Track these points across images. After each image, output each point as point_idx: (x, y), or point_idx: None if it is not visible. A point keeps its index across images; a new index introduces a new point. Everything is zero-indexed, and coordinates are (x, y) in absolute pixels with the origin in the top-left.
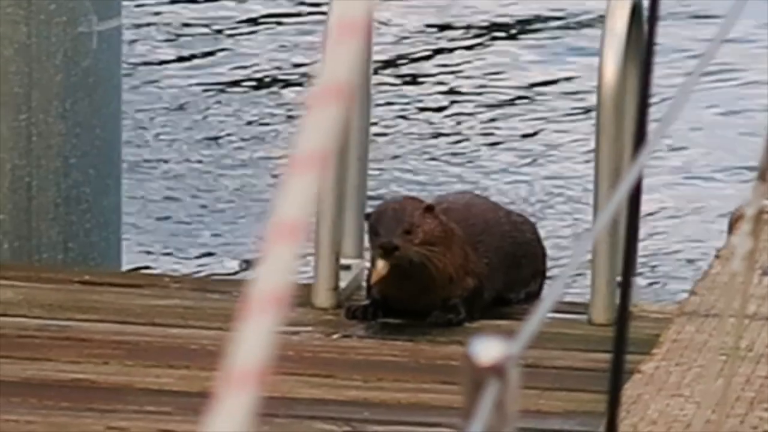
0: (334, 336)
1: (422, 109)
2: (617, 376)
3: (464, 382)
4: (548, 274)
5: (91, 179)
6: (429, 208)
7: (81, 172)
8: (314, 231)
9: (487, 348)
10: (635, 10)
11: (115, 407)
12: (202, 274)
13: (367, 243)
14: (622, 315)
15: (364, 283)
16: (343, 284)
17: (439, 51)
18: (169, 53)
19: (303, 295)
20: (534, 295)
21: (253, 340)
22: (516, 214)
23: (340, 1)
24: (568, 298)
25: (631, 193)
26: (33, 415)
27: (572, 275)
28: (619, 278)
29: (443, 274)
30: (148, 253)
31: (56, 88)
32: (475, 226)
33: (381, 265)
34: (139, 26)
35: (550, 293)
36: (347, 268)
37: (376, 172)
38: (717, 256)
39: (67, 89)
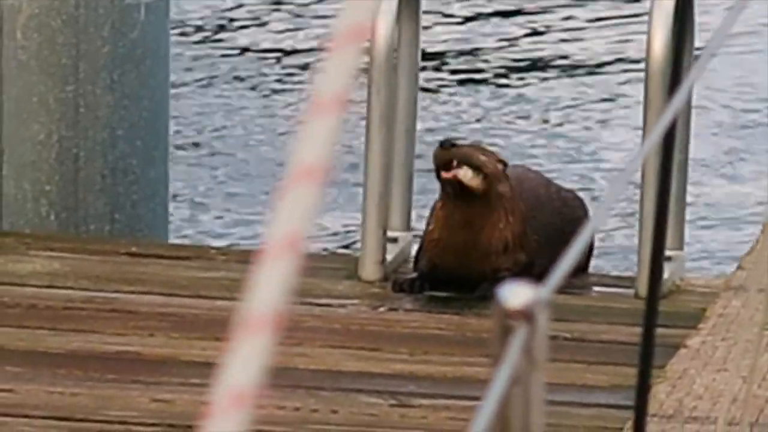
0: (381, 309)
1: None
2: (647, 350)
3: (493, 326)
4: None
5: (137, 151)
6: (503, 162)
7: (128, 144)
8: (361, 204)
9: (517, 293)
10: None
11: (160, 380)
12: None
13: (413, 215)
14: (653, 288)
15: (412, 256)
16: (389, 257)
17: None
18: None
19: (350, 268)
20: (581, 270)
21: (270, 283)
22: (566, 190)
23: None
24: (614, 272)
25: (664, 162)
26: (78, 387)
27: (606, 213)
28: (667, 252)
29: (501, 235)
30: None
31: (104, 59)
32: (528, 202)
33: (461, 174)
34: None
35: (584, 234)
36: (394, 240)
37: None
38: (763, 231)
39: (114, 61)
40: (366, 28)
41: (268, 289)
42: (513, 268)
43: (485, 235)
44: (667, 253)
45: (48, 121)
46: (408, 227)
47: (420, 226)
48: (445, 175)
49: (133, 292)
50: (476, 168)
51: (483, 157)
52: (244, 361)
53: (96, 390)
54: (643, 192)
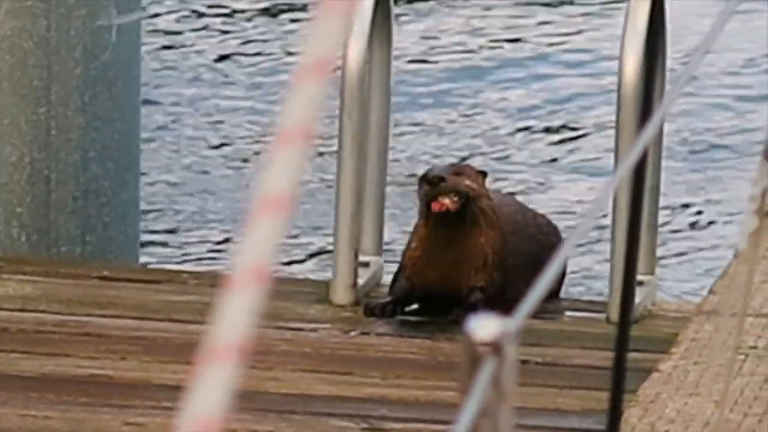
0: (353, 333)
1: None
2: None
3: (462, 359)
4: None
5: (110, 173)
6: (483, 174)
7: (100, 166)
8: (333, 227)
9: (485, 325)
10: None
11: (133, 403)
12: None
13: (385, 238)
14: (625, 312)
15: (383, 281)
16: (361, 281)
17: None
18: None
19: (321, 292)
20: (554, 295)
21: (236, 313)
22: (540, 216)
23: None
24: (586, 297)
25: (635, 186)
26: (51, 411)
27: (574, 246)
28: (639, 277)
29: (481, 250)
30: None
31: (75, 81)
32: (506, 226)
33: (447, 203)
34: None
35: (552, 266)
36: (366, 265)
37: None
38: (735, 256)
39: (86, 82)
40: (331, 60)
41: (235, 318)
42: (487, 287)
43: (467, 248)
44: (639, 277)
45: (20, 143)
46: (380, 251)
47: (393, 248)
48: (435, 207)
49: (105, 316)
50: (463, 194)
51: (468, 182)
52: (211, 389)
53: (69, 413)
54: (615, 217)
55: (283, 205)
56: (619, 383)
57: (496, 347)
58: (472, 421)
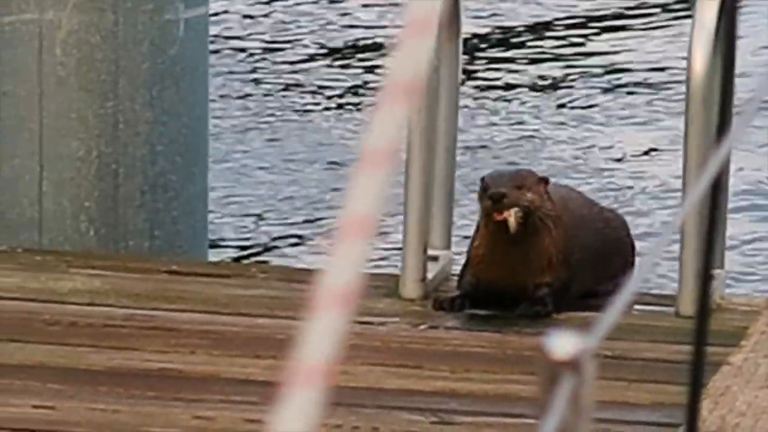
0: (422, 327)
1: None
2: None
3: (540, 376)
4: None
5: (177, 167)
6: (545, 180)
7: (167, 160)
8: (402, 222)
9: (563, 342)
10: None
11: (202, 397)
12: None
13: (454, 233)
14: (703, 306)
15: (452, 274)
16: (430, 275)
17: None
18: None
19: (390, 286)
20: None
21: (321, 335)
22: (608, 210)
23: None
24: (655, 291)
25: (714, 182)
26: (119, 405)
27: (653, 265)
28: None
29: (546, 250)
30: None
31: (143, 75)
32: (572, 221)
33: (511, 221)
34: None
35: (630, 285)
36: (435, 259)
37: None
38: None
39: (153, 77)
40: (417, 83)
41: (320, 341)
42: (554, 283)
43: (530, 249)
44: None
45: (87, 137)
46: (448, 245)
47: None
48: (497, 217)
49: (173, 310)
50: (524, 209)
51: (529, 195)
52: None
53: (137, 407)
54: (684, 207)
55: (367, 227)
56: (698, 378)
57: (575, 365)
58: None
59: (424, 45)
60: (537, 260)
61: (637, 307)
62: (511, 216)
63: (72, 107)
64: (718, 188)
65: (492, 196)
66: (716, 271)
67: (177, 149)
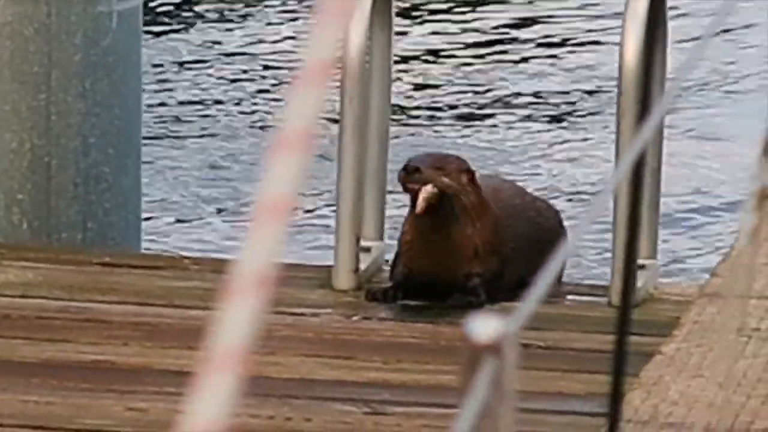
0: (354, 318)
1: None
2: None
3: (462, 360)
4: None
5: (110, 159)
6: (469, 172)
7: (100, 152)
8: (335, 213)
9: (484, 326)
10: None
11: (135, 388)
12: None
13: (386, 224)
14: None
15: (385, 266)
16: (363, 266)
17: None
18: None
19: (323, 277)
20: (555, 278)
21: (236, 321)
22: (540, 200)
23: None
24: (588, 281)
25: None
26: (53, 397)
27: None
28: (640, 261)
29: (469, 240)
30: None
31: (76, 67)
32: (504, 210)
33: (420, 199)
34: None
35: (551, 267)
36: (367, 250)
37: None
38: (739, 238)
39: (86, 68)
40: (332, 64)
41: (235, 327)
42: (484, 273)
43: (454, 240)
44: (641, 261)
45: (20, 129)
46: (381, 236)
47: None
48: (408, 188)
49: (106, 302)
50: (437, 188)
51: (445, 179)
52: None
53: (70, 399)
54: (616, 201)
55: (283, 210)
56: (621, 366)
57: (496, 349)
58: (472, 422)
59: (339, 27)
60: (461, 249)
61: (569, 297)
62: (423, 193)
63: (5, 99)
64: (639, 178)
65: (406, 167)
66: (649, 262)
67: (110, 141)
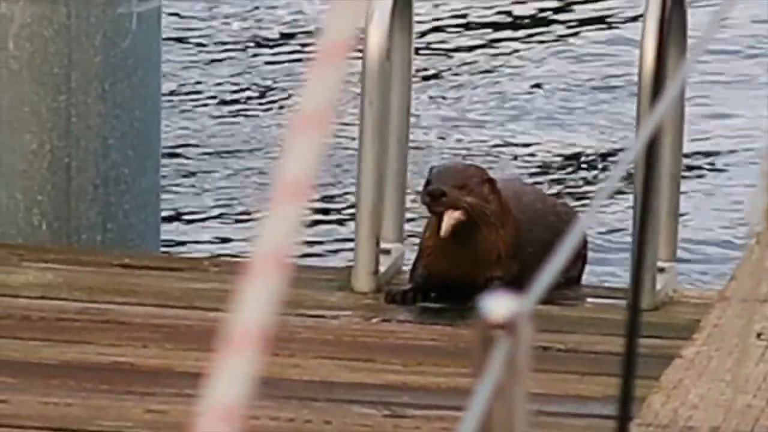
0: (374, 320)
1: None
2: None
3: (476, 339)
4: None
5: (130, 160)
6: (490, 181)
7: (120, 153)
8: (355, 215)
9: (498, 305)
10: None
11: (154, 390)
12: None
13: (406, 226)
14: (635, 297)
15: (404, 267)
16: (383, 268)
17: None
18: None
19: (343, 279)
20: (574, 281)
21: (254, 301)
22: (561, 204)
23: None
24: (608, 284)
25: (646, 172)
26: (72, 398)
27: (591, 224)
28: (660, 263)
29: (494, 246)
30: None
31: (96, 69)
32: (525, 215)
33: (445, 226)
34: None
35: (565, 249)
36: (387, 252)
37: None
38: (757, 242)
39: (106, 70)
40: (349, 44)
41: (254, 305)
42: (505, 276)
43: (477, 246)
44: (660, 264)
45: (40, 130)
46: (401, 238)
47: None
48: (442, 232)
49: (126, 303)
50: (462, 210)
51: (469, 198)
52: (231, 377)
53: (90, 401)
54: (636, 204)
55: (301, 190)
56: (631, 368)
57: (510, 327)
58: (486, 402)
59: (357, 5)
60: (485, 255)
61: (589, 300)
62: (447, 218)
63: (25, 100)
64: (650, 178)
65: (430, 193)
66: (668, 264)
67: (129, 143)
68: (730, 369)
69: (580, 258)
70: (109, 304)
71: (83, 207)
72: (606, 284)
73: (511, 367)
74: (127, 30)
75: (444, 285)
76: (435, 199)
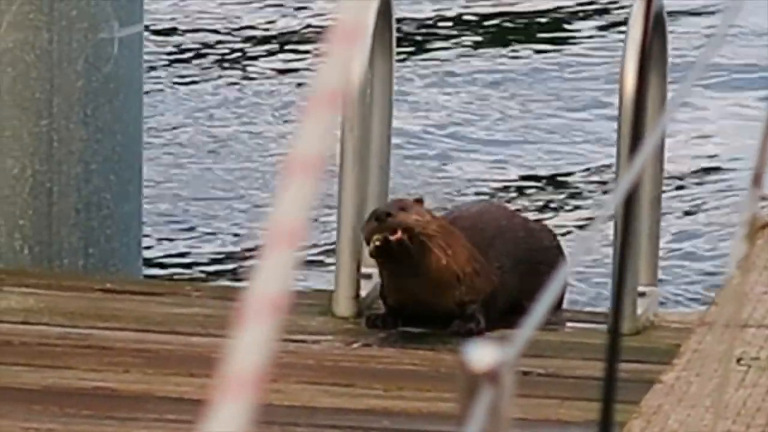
0: (355, 345)
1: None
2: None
3: (459, 387)
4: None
5: (111, 185)
6: (418, 201)
7: (102, 178)
8: (335, 240)
9: (482, 353)
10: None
11: (136, 415)
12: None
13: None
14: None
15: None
16: (363, 293)
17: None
18: None
19: (324, 304)
20: (556, 306)
21: (249, 346)
22: (534, 222)
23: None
24: (588, 308)
25: (627, 198)
26: (54, 423)
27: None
28: (641, 288)
29: (446, 269)
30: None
31: (77, 93)
32: (486, 231)
33: (376, 238)
34: None
35: (548, 294)
36: (368, 277)
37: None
38: (738, 267)
39: (88, 95)
40: (341, 93)
41: (248, 351)
42: (477, 298)
43: (430, 271)
44: (641, 288)
45: (22, 155)
46: None
47: None
48: (377, 244)
49: (108, 328)
50: (406, 230)
51: (415, 217)
52: (226, 422)
53: (71, 426)
54: (617, 228)
55: (294, 235)
56: (611, 393)
57: (493, 377)
58: None
59: (352, 52)
60: (441, 279)
61: (569, 324)
62: (374, 242)
63: (6, 125)
64: (631, 203)
65: (378, 216)
66: (649, 289)
67: (111, 167)
68: (710, 394)
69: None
70: (91, 329)
71: (65, 231)
72: (587, 309)
73: (494, 416)
74: (108, 55)
75: (417, 311)
76: (381, 220)
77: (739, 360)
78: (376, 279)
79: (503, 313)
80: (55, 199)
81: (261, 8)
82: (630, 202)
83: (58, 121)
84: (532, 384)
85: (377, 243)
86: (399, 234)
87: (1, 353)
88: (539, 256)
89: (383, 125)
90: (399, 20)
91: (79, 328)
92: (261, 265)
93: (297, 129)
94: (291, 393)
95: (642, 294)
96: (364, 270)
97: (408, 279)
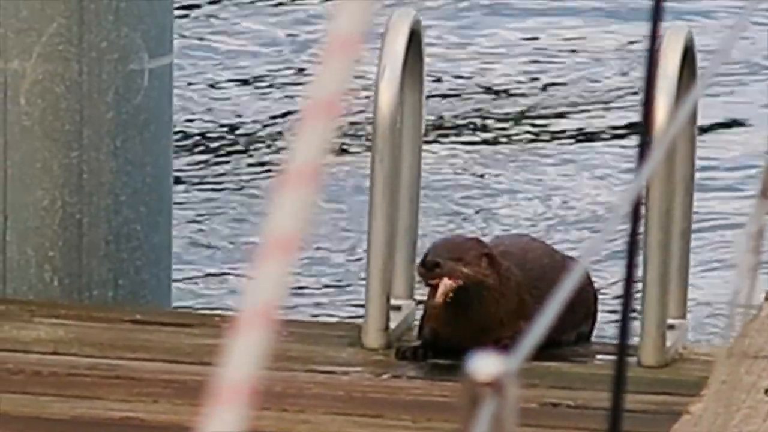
0: (384, 376)
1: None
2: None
3: (462, 398)
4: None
5: (141, 217)
6: (488, 255)
7: (132, 210)
8: (365, 271)
9: (485, 364)
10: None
11: None
12: None
13: (417, 284)
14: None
15: (415, 323)
16: (393, 325)
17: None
18: None
19: (353, 336)
20: (585, 337)
21: (243, 355)
22: (570, 259)
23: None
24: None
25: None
26: None
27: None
28: (670, 320)
29: (494, 315)
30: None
31: (107, 125)
32: (532, 272)
33: (439, 292)
34: None
35: (554, 303)
36: (397, 308)
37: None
38: (767, 298)
39: (118, 126)
40: (339, 101)
41: (242, 360)
42: (513, 336)
43: (479, 315)
44: (670, 321)
45: (52, 186)
46: (411, 295)
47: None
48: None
49: (137, 359)
50: (456, 280)
51: (465, 269)
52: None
53: None
54: (647, 257)
55: (290, 246)
56: (617, 423)
57: (497, 387)
58: None
59: (347, 62)
60: (487, 323)
61: (599, 356)
62: (442, 286)
63: (36, 157)
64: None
65: (425, 264)
66: (678, 321)
67: (141, 199)
68: (738, 425)
69: (590, 315)
70: (120, 359)
71: (95, 263)
72: (616, 341)
73: (498, 426)
74: (138, 86)
75: (450, 346)
76: (429, 270)
77: (766, 391)
78: (406, 311)
79: (537, 348)
80: (85, 231)
81: None
82: (635, 216)
83: (88, 153)
84: (561, 416)
85: (450, 297)
86: (445, 287)
87: (31, 384)
88: (575, 298)
89: (413, 155)
90: None
91: (108, 359)
92: (256, 275)
93: (294, 138)
94: (320, 423)
95: (671, 326)
96: (393, 302)
97: (455, 317)
